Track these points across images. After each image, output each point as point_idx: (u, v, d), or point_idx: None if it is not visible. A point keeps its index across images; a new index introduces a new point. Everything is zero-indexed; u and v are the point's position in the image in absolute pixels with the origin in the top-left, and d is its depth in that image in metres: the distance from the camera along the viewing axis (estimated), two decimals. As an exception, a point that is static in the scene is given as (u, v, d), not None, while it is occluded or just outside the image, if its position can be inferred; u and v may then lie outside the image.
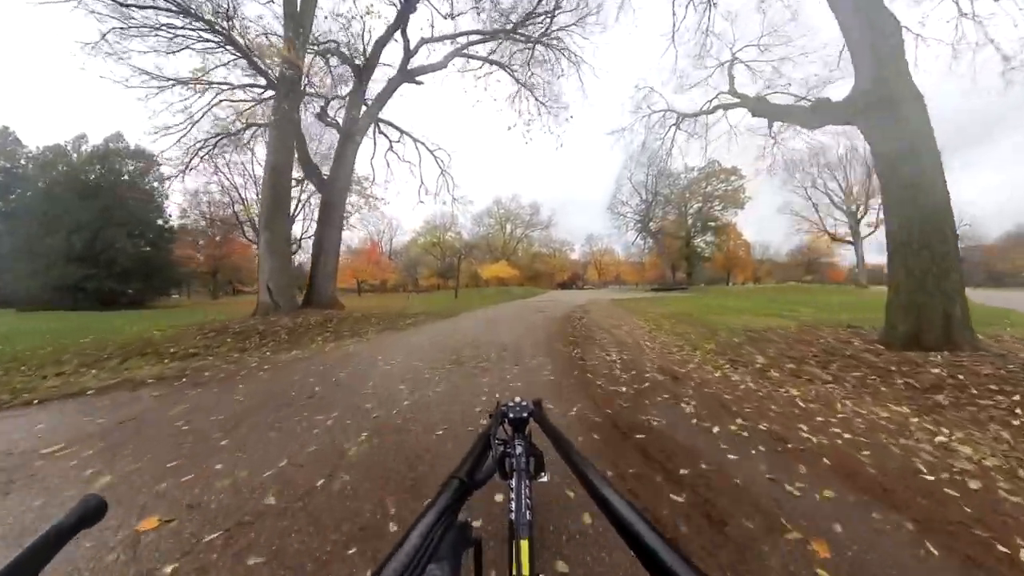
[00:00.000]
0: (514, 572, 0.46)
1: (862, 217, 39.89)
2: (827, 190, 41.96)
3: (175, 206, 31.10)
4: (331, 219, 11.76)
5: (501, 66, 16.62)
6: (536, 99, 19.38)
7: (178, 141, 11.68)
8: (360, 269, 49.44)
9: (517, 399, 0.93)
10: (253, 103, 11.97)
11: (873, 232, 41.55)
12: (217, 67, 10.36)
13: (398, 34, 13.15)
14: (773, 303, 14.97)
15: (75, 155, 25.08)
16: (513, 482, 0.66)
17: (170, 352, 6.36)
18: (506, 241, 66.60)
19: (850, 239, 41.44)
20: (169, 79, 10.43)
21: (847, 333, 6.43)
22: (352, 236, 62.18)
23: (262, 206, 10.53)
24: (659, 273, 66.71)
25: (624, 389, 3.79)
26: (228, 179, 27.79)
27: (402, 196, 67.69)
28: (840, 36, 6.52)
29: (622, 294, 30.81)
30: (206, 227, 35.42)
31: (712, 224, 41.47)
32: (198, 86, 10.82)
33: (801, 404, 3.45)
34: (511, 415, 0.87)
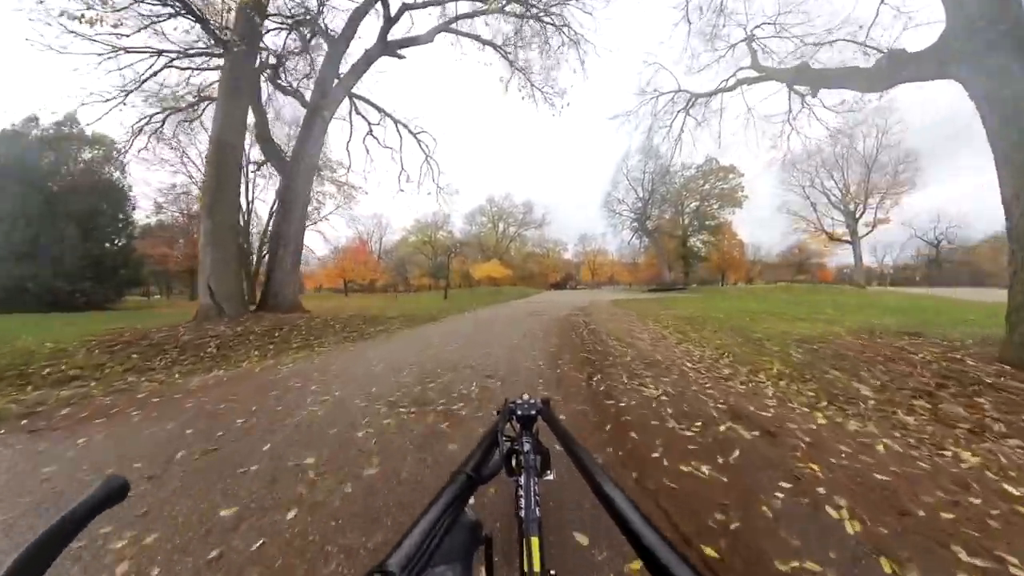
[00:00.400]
0: (525, 569, 0.46)
1: (860, 216, 39.27)
2: (824, 189, 41.36)
3: (148, 200, 28.92)
4: (292, 206, 10.02)
5: (494, 46, 15.04)
6: (532, 84, 17.92)
7: (114, 109, 9.84)
8: (348, 268, 47.50)
9: (525, 396, 0.92)
10: (202, 70, 10.18)
11: (871, 231, 41.16)
12: (161, 19, 8.53)
13: (379, 5, 11.53)
14: (794, 305, 13.66)
15: (24, 139, 22.77)
16: (522, 479, 0.66)
17: (43, 374, 4.67)
18: (499, 240, 65.02)
19: (847, 239, 40.83)
20: (112, 47, 8.64)
21: (937, 347, 4.98)
22: (339, 235, 60.16)
23: (204, 188, 8.79)
24: (653, 273, 65.78)
25: (702, 468, 2.17)
26: (200, 168, 25.75)
27: (384, 187, 63.59)
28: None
29: (619, 294, 29.47)
30: (186, 223, 33.15)
31: (710, 223, 40.40)
32: (141, 54, 9.07)
33: (1018, 493, 1.94)
34: (519, 412, 0.85)
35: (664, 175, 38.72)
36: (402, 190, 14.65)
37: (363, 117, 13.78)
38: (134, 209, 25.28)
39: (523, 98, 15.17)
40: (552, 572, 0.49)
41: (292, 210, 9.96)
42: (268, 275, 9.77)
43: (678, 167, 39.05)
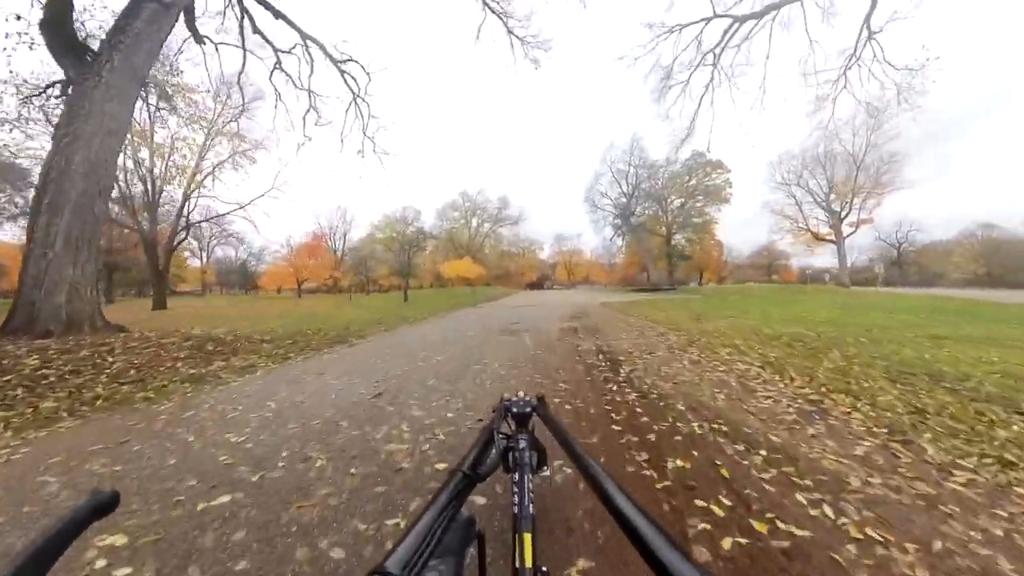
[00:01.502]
0: (517, 565, 0.46)
1: (846, 215, 38.15)
2: (809, 188, 40.04)
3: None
4: (81, 137, 5.50)
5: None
6: (510, 31, 14.04)
7: None
8: (301, 267, 41.65)
9: (520, 393, 0.92)
10: None
11: (855, 232, 40.22)
12: None
13: None
14: (827, 308, 10.49)
15: None
16: (517, 476, 0.65)
17: None
18: (472, 237, 60.72)
19: (831, 238, 39.70)
20: None
21: None
22: (296, 229, 54.26)
23: None
24: (630, 273, 63.68)
25: None
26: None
27: (319, 156, 48.51)
28: None
29: (603, 295, 26.08)
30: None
31: (696, 220, 38.00)
32: None
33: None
34: (514, 410, 0.85)
35: (647, 169, 35.99)
36: (309, 138, 10.27)
37: (263, 38, 9.29)
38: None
39: (500, 46, 11.23)
40: (544, 568, 0.48)
41: (81, 144, 5.47)
42: (20, 277, 5.23)
43: (662, 162, 36.51)
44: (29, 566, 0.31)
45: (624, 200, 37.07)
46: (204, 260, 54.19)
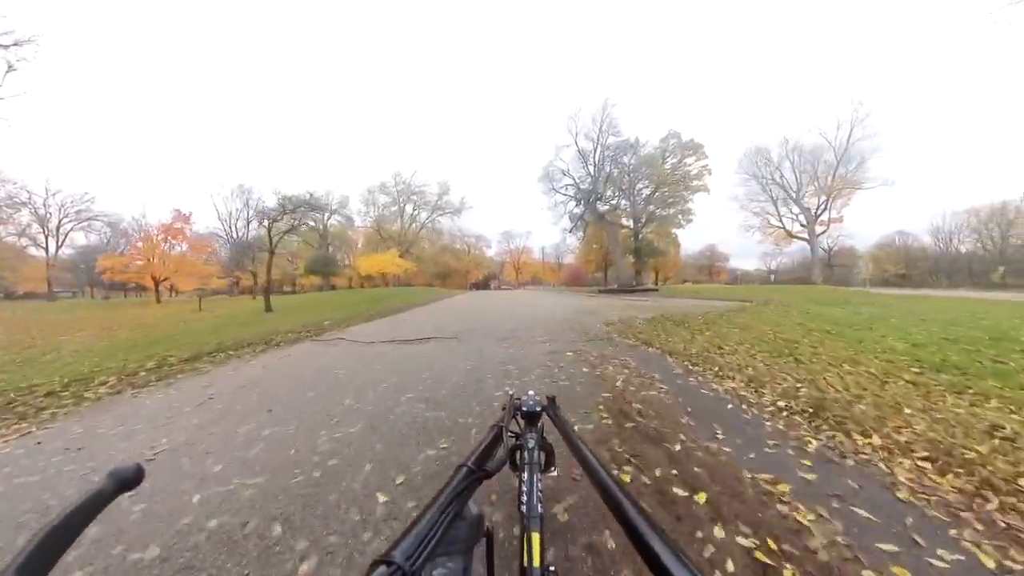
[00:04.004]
0: (525, 564, 0.46)
1: (821, 212, 35.13)
2: (784, 183, 36.66)
3: None
4: None
5: None
6: None
7: None
8: (116, 267, 27.28)
9: (531, 392, 0.89)
10: None
11: (826, 231, 37.56)
12: None
13: None
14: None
15: None
16: (525, 475, 0.64)
17: None
18: (406, 227, 50.88)
19: (803, 236, 36.67)
20: None
21: None
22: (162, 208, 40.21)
23: None
24: (584, 272, 58.14)
25: None
26: None
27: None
28: None
29: (569, 298, 18.74)
30: None
31: (670, 212, 32.43)
32: None
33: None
34: (524, 408, 0.83)
35: (620, 148, 29.61)
36: None
37: None
38: None
39: None
40: (552, 568, 0.47)
41: None
42: None
43: (632, 140, 30.44)
44: (48, 543, 0.30)
45: (589, 181, 30.26)
46: (53, 251, 38.68)
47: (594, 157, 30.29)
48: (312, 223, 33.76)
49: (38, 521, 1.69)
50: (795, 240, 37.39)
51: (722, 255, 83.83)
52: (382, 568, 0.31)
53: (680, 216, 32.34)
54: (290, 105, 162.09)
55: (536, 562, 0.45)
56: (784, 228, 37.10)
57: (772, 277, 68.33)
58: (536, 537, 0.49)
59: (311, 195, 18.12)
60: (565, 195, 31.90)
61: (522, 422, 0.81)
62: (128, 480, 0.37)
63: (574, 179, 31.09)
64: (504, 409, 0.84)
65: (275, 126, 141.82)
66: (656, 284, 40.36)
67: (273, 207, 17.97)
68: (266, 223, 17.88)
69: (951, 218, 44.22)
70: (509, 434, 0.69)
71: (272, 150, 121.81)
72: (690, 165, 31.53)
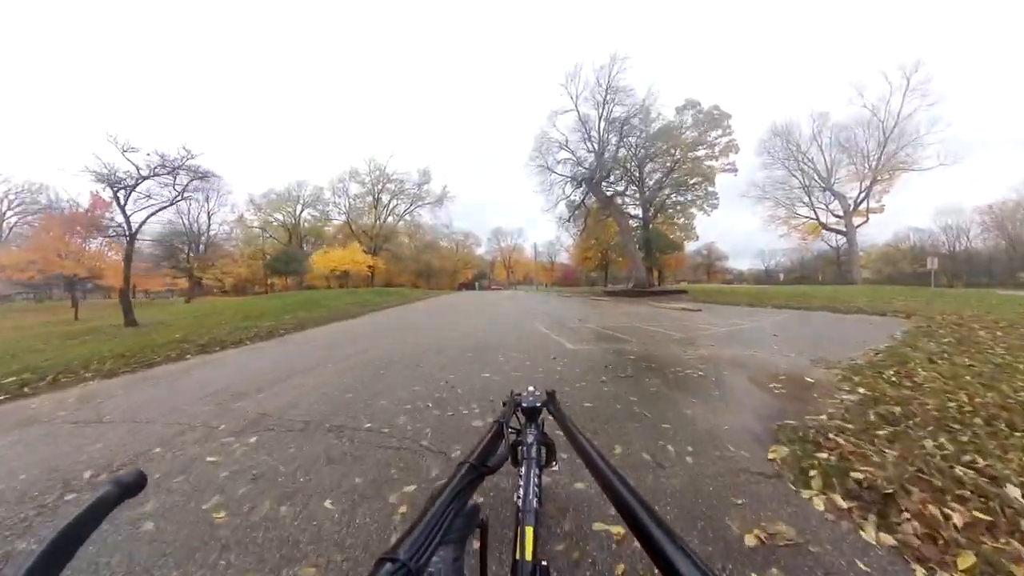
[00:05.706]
0: (517, 557, 0.46)
1: (862, 200, 29.84)
2: (815, 167, 31.24)
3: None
4: None
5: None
6: None
7: None
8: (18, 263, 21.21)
9: (531, 388, 0.91)
10: None
11: (865, 221, 32.25)
12: None
13: None
14: None
15: None
16: (523, 470, 0.65)
17: None
18: (381, 219, 44.48)
19: (840, 228, 31.34)
20: None
21: None
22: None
23: None
24: (580, 270, 52.44)
25: None
26: None
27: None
28: None
29: (571, 304, 12.87)
30: None
31: (690, 196, 26.75)
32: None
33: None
34: (524, 404, 0.84)
35: (619, 125, 23.66)
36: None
37: None
38: None
39: None
40: (543, 563, 0.47)
41: None
42: None
43: (642, 104, 24.68)
44: (54, 550, 0.30)
45: (592, 159, 24.41)
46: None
47: (599, 127, 24.45)
48: (202, 197, 27.01)
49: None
50: (824, 233, 31.98)
51: (721, 253, 78.92)
52: (387, 566, 0.32)
53: (703, 201, 26.62)
54: (257, 89, 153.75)
55: (528, 556, 0.46)
56: (817, 219, 31.67)
57: (781, 276, 63.43)
58: (530, 531, 0.49)
59: (188, 152, 11.92)
60: (561, 175, 26.04)
61: (522, 418, 0.83)
62: (131, 486, 0.38)
63: (572, 153, 25.26)
64: (505, 405, 0.88)
65: (242, 112, 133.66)
66: (673, 284, 34.81)
67: (124, 171, 11.67)
68: (120, 193, 11.74)
69: (968, 215, 38.30)
70: (510, 430, 0.70)
71: (242, 140, 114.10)
72: (715, 139, 25.82)
